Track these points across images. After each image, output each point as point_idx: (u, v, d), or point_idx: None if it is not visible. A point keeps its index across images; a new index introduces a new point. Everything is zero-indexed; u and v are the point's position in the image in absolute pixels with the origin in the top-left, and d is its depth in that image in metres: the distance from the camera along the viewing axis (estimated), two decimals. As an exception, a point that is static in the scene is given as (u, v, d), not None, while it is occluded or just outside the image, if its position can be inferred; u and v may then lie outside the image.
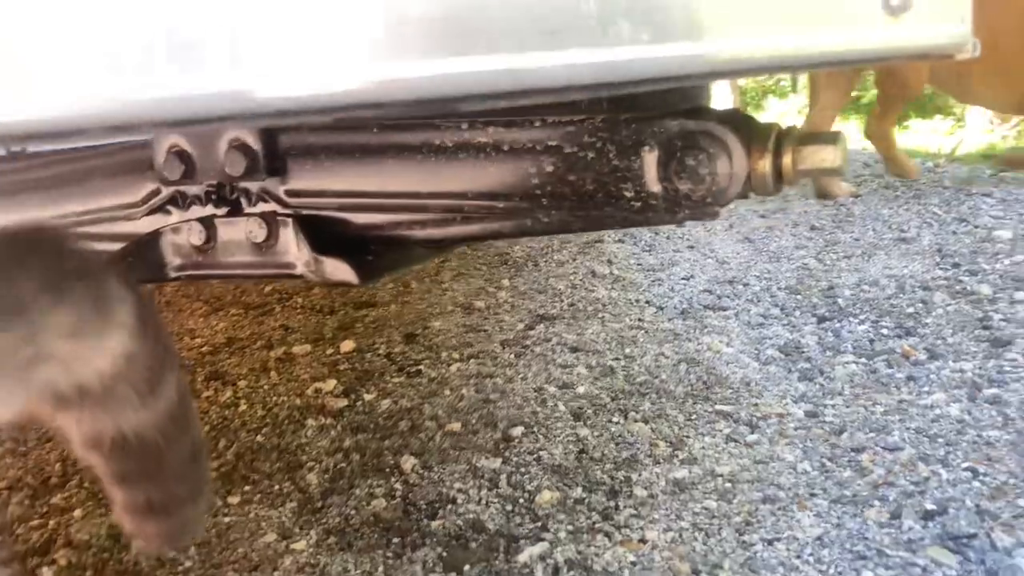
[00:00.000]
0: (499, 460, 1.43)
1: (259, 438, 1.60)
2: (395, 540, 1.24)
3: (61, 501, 1.42)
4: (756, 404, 1.57)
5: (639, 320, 2.06)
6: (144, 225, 1.07)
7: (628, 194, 0.87)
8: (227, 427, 1.66)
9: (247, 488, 1.42)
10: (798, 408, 1.54)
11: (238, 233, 1.04)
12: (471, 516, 1.29)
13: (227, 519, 1.33)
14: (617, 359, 1.83)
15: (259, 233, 1.03)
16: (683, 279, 2.37)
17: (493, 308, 2.23)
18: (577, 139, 0.88)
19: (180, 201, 1.05)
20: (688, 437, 1.47)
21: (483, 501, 1.32)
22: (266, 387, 1.84)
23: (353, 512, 1.32)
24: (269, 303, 2.39)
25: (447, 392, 1.72)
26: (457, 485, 1.37)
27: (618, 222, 0.90)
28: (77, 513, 1.38)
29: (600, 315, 2.11)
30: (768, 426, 1.48)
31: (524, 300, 2.28)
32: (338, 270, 0.96)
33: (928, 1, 0.68)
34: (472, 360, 1.88)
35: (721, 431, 1.48)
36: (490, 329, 2.07)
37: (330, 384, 1.81)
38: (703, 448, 1.43)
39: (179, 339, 2.20)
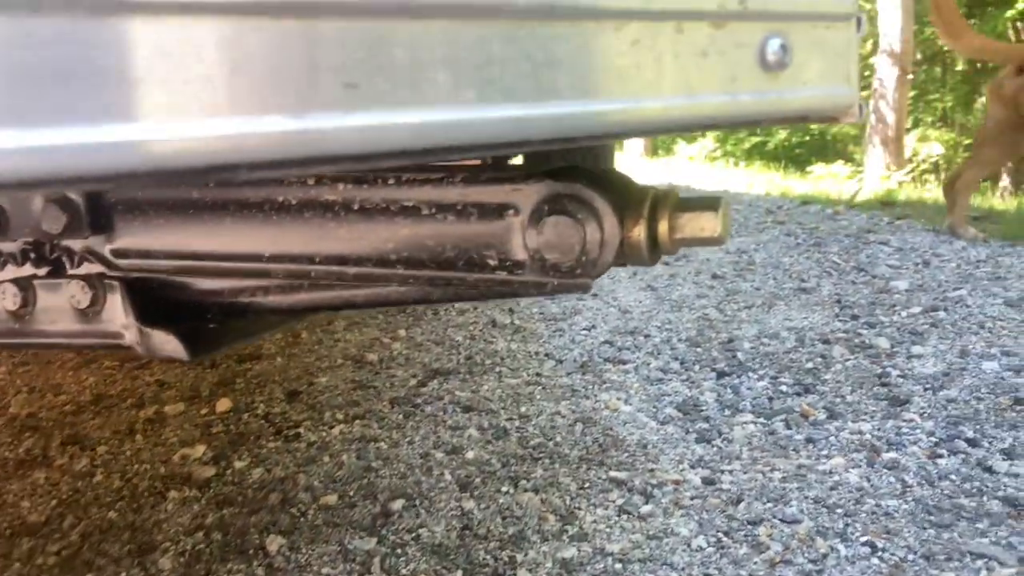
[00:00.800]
0: (374, 540, 1.31)
1: (112, 514, 1.44)
2: (249, 639, 1.11)
3: None
4: (652, 470, 1.49)
5: (537, 375, 1.97)
6: (-51, 286, 0.93)
7: (492, 262, 0.77)
8: (77, 501, 1.50)
9: (89, 576, 1.26)
10: (695, 474, 1.46)
11: (59, 298, 0.91)
12: (338, 607, 1.16)
13: (60, 616, 1.18)
14: (511, 419, 1.73)
15: (83, 298, 0.90)
16: (584, 329, 2.30)
17: (386, 361, 2.12)
18: (436, 200, 0.79)
19: (-9, 260, 0.92)
20: (579, 509, 1.37)
21: (353, 588, 1.20)
22: (128, 453, 1.68)
23: (205, 605, 1.18)
24: (142, 357, 2.22)
25: (326, 459, 1.60)
26: (326, 571, 1.24)
27: (482, 293, 0.81)
28: None
29: (497, 369, 2.02)
30: (663, 495, 1.40)
31: (419, 352, 2.17)
32: (166, 344, 0.84)
33: (808, 60, 0.62)
34: (357, 421, 1.76)
35: (614, 501, 1.39)
36: (380, 385, 1.95)
37: (199, 450, 1.66)
38: (594, 522, 1.33)
39: (40, 397, 2.03)
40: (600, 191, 0.73)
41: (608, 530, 1.31)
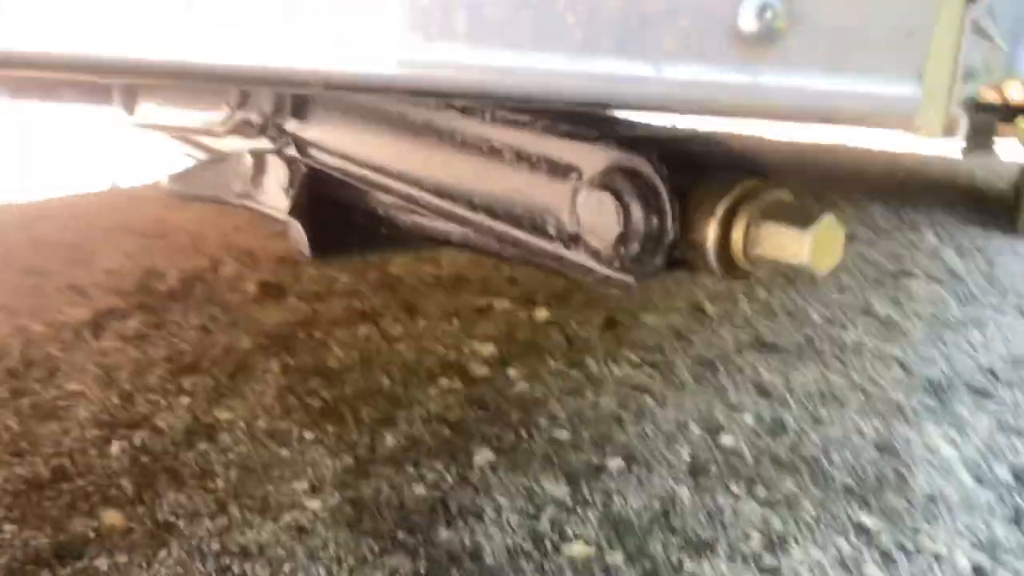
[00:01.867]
0: (566, 490, 1.26)
1: (385, 380, 1.57)
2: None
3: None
4: (917, 531, 1.20)
5: (868, 379, 1.69)
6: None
7: (551, 230, 0.65)
8: (369, 361, 1.65)
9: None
10: (967, 556, 1.15)
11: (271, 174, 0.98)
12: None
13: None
14: (800, 419, 1.52)
15: (283, 176, 0.97)
16: (970, 344, 1.90)
17: (722, 319, 1.98)
18: (515, 145, 0.68)
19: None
20: (795, 541, 1.17)
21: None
22: (439, 332, 1.80)
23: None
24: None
25: (588, 394, 1.56)
26: (502, 500, 1.23)
27: (542, 263, 0.69)
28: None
29: (826, 360, 1.77)
30: (906, 565, 1.13)
31: (760, 318, 1.99)
32: (298, 236, 0.87)
33: (819, 32, 0.40)
34: (645, 368, 1.68)
35: (840, 549, 1.16)
36: (696, 340, 1.84)
37: (487, 348, 1.73)
38: (802, 562, 1.13)
39: (416, 266, 2.24)
40: (666, 171, 0.57)
41: (810, 577, 1.10)
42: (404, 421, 1.43)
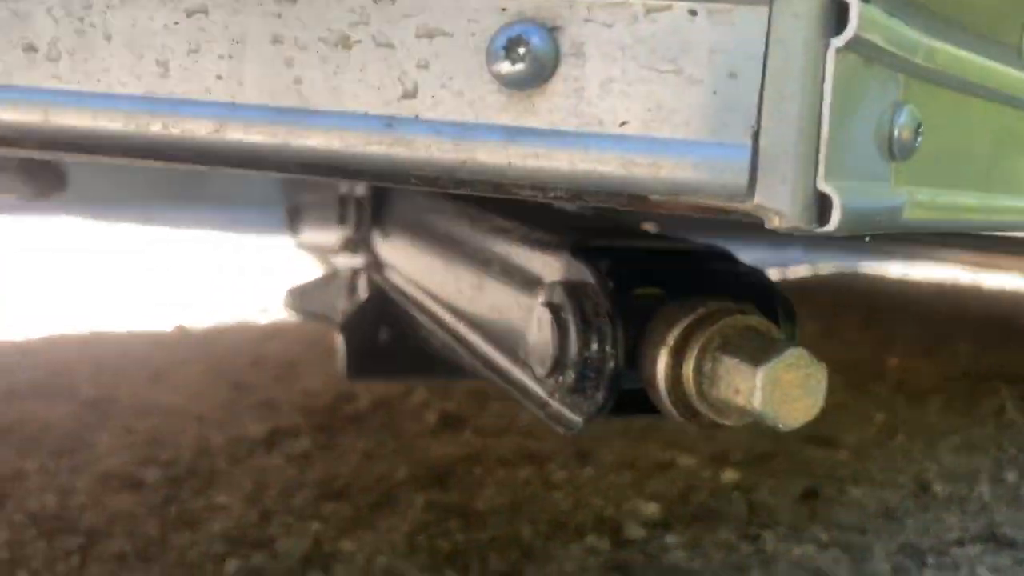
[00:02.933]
0: None
1: (527, 532, 1.45)
2: None
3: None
4: None
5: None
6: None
7: (519, 353, 0.53)
8: (531, 498, 1.54)
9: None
10: None
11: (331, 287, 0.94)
12: None
13: None
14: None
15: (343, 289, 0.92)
16: None
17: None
18: (493, 251, 0.56)
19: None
20: None
21: None
22: (609, 482, 1.66)
23: None
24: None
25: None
26: None
27: (517, 393, 0.55)
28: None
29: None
30: None
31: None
32: (340, 352, 0.79)
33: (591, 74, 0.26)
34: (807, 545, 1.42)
35: None
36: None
37: (650, 508, 1.55)
38: None
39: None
40: (612, 285, 0.43)
41: None
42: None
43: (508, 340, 0.57)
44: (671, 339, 0.45)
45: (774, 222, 0.28)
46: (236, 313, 3.10)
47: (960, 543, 1.47)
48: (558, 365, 0.48)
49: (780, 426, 0.42)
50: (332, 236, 1.04)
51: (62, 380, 2.16)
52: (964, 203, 0.47)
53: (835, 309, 3.67)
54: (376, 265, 0.88)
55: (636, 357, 0.46)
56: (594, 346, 0.47)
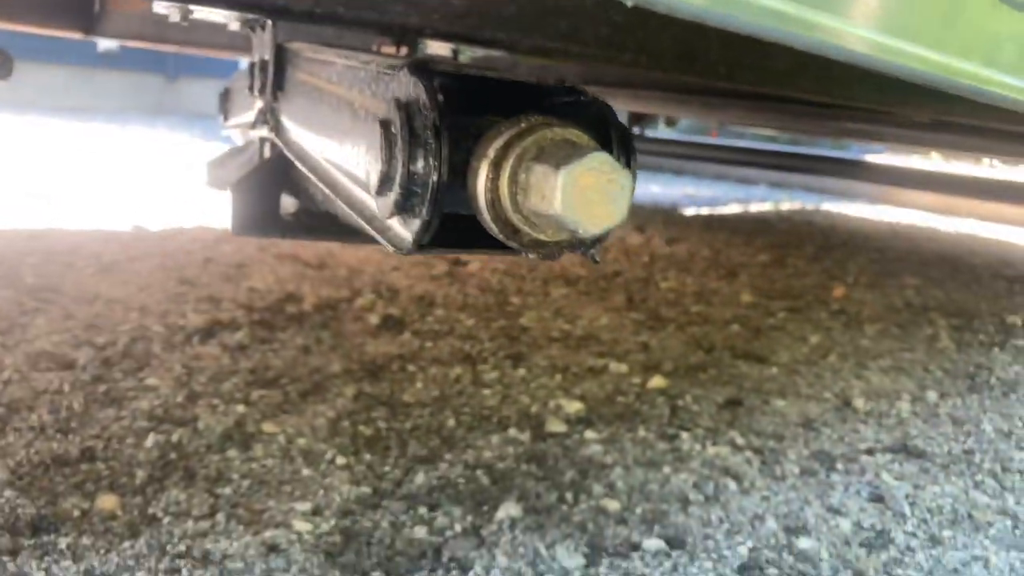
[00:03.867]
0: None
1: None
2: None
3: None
4: None
5: None
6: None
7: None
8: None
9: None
10: None
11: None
12: None
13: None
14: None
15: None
16: None
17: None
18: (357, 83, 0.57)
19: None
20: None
21: None
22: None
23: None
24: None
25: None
26: (494, 556, 1.08)
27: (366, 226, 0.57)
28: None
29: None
30: None
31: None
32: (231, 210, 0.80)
33: None
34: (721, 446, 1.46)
35: None
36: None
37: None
38: None
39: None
40: (442, 100, 0.44)
41: None
42: (447, 463, 1.33)
43: (359, 170, 0.58)
44: (491, 152, 0.45)
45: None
46: (193, 217, 3.08)
47: (871, 452, 1.52)
48: (386, 180, 0.49)
49: (582, 231, 0.43)
50: (251, 112, 1.04)
51: (5, 269, 2.15)
52: (852, 31, 0.45)
53: (792, 243, 3.71)
54: (277, 129, 0.89)
55: (464, 176, 0.47)
56: (419, 161, 0.47)
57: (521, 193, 0.44)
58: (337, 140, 0.63)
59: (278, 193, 0.87)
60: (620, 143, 0.51)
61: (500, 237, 0.46)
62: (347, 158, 0.60)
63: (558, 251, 0.48)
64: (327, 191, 0.67)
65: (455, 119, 0.47)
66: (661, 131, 6.45)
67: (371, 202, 0.53)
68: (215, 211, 3.25)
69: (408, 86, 0.49)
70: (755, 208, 4.97)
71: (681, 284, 2.68)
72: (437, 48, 1.08)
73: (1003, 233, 4.74)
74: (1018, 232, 4.82)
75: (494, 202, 0.45)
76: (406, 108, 0.48)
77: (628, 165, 0.51)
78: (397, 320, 2.02)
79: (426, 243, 0.49)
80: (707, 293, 2.58)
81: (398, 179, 0.47)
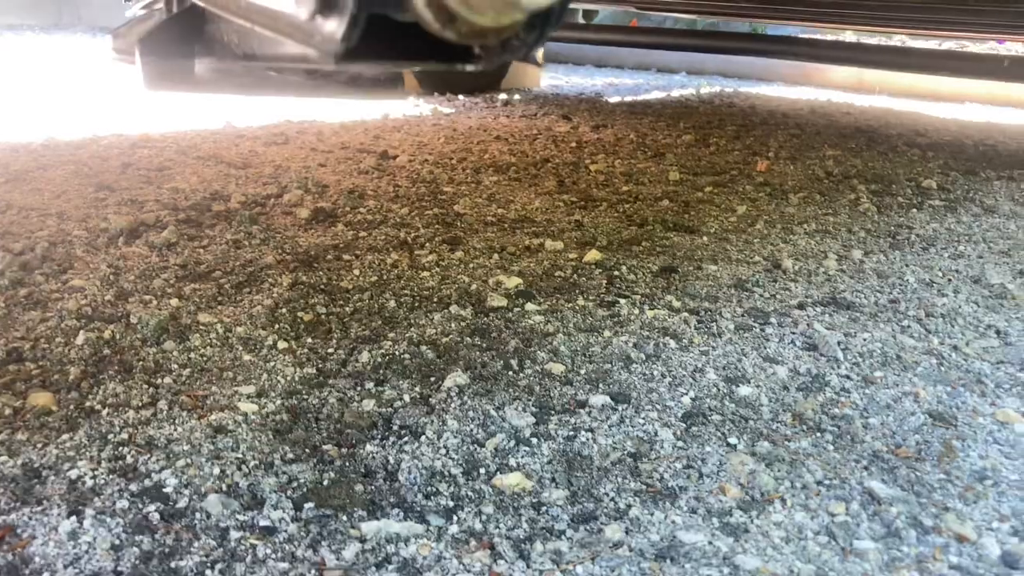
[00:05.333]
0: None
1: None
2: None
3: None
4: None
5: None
6: None
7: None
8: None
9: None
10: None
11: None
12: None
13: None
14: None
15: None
16: None
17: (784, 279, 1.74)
18: None
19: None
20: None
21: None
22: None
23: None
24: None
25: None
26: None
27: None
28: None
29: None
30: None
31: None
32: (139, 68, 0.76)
33: None
34: (657, 312, 1.49)
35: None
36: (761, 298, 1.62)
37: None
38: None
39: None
40: None
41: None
42: (391, 341, 1.32)
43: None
44: None
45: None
46: (107, 125, 2.95)
47: (802, 307, 1.57)
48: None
49: (528, 4, 0.41)
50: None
51: (-95, 182, 2.04)
52: None
53: (714, 123, 3.73)
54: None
55: None
56: None
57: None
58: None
59: (190, 48, 0.82)
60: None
61: (435, 27, 0.44)
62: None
63: (497, 51, 0.46)
64: (243, 22, 0.64)
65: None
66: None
67: (293, 10, 0.50)
68: (129, 117, 3.11)
69: None
70: (677, 93, 4.97)
71: (610, 166, 2.68)
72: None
73: (916, 106, 4.84)
74: (929, 104, 4.92)
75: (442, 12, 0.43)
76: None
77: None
78: (328, 213, 1.98)
79: (355, 45, 0.46)
80: (636, 173, 2.59)
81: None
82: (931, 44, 6.17)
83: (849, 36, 6.25)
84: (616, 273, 1.68)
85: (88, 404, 1.08)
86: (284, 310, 1.41)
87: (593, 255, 1.77)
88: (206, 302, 1.43)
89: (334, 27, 0.47)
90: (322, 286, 1.53)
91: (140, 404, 1.09)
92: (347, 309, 1.44)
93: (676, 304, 1.54)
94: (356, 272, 1.61)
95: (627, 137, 3.24)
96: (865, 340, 1.43)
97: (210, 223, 1.85)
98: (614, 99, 4.53)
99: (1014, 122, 4.33)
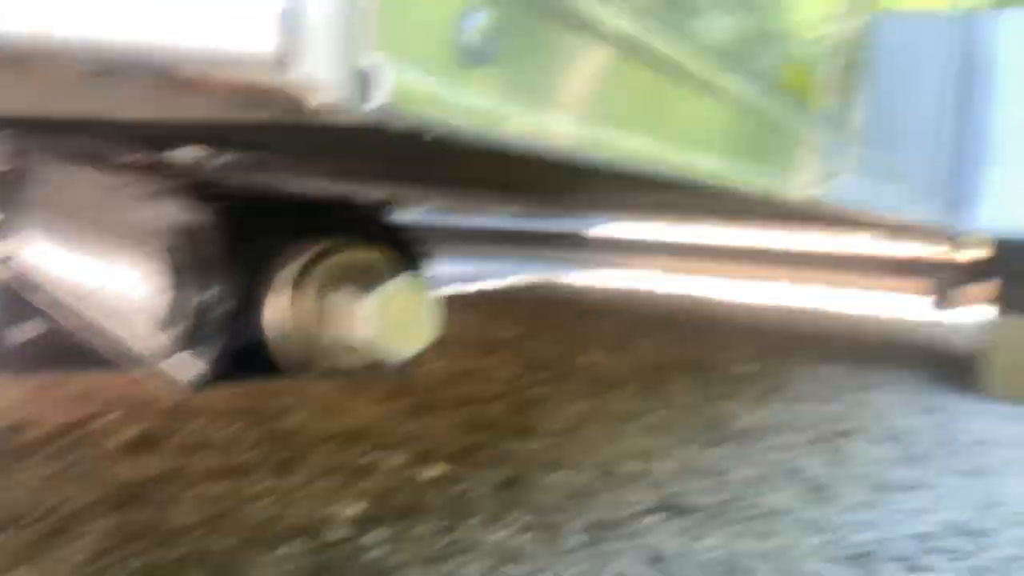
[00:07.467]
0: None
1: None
2: None
3: None
4: None
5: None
6: None
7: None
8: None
9: None
10: None
11: None
12: None
13: None
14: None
15: None
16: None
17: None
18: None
19: None
20: None
21: None
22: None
23: None
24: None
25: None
26: None
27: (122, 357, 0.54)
28: None
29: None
30: None
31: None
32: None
33: None
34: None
35: None
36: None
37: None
38: None
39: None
40: (226, 229, 0.43)
41: None
42: (223, 592, 1.24)
43: (129, 304, 0.53)
44: (287, 277, 0.43)
45: (313, 99, 0.27)
46: None
47: (643, 514, 1.60)
48: (172, 313, 0.46)
49: (392, 356, 0.42)
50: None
51: None
52: (557, 127, 0.47)
53: (536, 315, 3.88)
54: (14, 250, 0.80)
55: (251, 302, 0.45)
56: (207, 292, 0.45)
57: (318, 321, 0.43)
58: (102, 263, 0.58)
59: (10, 321, 0.78)
60: (418, 260, 0.51)
61: (290, 366, 0.44)
62: (115, 286, 0.56)
63: (353, 373, 0.47)
64: (83, 321, 0.61)
65: (244, 244, 0.45)
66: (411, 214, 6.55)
67: (148, 335, 0.49)
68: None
69: (188, 214, 0.46)
70: (506, 282, 5.15)
71: (448, 364, 2.71)
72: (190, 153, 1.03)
73: (727, 288, 5.23)
74: (741, 284, 5.33)
75: (288, 332, 0.43)
76: (188, 234, 0.45)
77: (417, 270, 0.51)
78: (150, 436, 1.87)
79: (216, 377, 0.46)
80: (472, 371, 2.63)
81: (184, 312, 0.44)
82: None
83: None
84: (456, 489, 1.67)
85: None
86: (101, 563, 1.30)
87: (433, 471, 1.75)
88: (9, 560, 1.29)
89: (195, 366, 0.46)
90: (146, 529, 1.43)
91: None
92: (174, 555, 1.34)
93: (521, 521, 1.53)
94: (185, 510, 1.51)
95: (462, 332, 3.30)
96: (706, 547, 1.46)
97: (17, 457, 1.71)
98: (446, 289, 4.64)
99: (816, 304, 4.75)
